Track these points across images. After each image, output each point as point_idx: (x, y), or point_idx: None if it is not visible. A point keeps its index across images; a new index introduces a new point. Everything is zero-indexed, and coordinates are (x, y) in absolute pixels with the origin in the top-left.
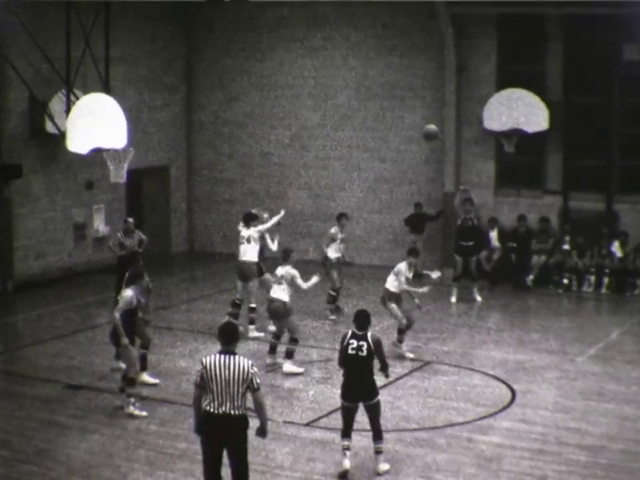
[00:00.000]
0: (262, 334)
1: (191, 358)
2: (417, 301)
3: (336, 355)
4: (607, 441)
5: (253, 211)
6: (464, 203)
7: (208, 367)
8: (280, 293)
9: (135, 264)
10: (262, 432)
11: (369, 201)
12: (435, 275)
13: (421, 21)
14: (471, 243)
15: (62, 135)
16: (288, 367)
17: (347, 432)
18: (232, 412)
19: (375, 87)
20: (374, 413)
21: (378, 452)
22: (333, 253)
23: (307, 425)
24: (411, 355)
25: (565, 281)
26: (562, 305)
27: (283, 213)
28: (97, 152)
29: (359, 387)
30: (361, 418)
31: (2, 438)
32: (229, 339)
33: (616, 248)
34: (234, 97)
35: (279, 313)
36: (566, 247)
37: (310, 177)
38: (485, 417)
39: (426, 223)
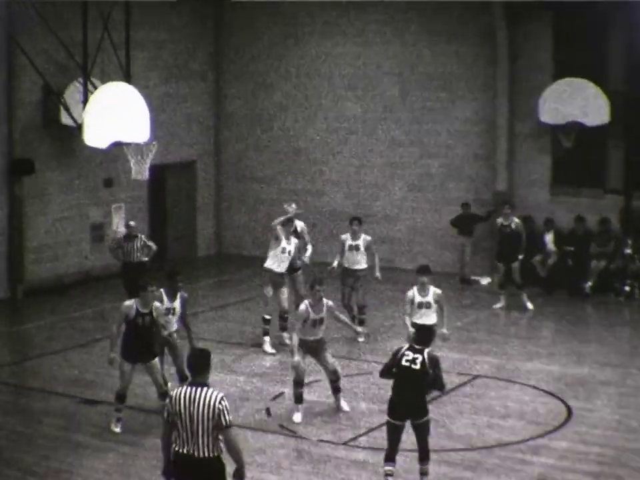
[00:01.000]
0: (273, 350)
1: (218, 371)
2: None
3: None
4: None
5: (291, 208)
6: (503, 207)
7: (173, 401)
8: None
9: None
10: (238, 476)
11: (412, 200)
12: (485, 280)
13: (470, 4)
14: (510, 249)
15: (78, 128)
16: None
17: (391, 455)
18: (197, 453)
19: (420, 76)
20: (422, 433)
21: (423, 474)
22: (343, 262)
23: (344, 444)
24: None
25: (627, 288)
26: (623, 314)
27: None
28: (117, 146)
29: (409, 403)
30: (405, 436)
31: (12, 456)
32: (197, 368)
33: None
34: (266, 86)
35: None
36: (628, 250)
37: (349, 174)
38: (538, 437)
39: (475, 224)
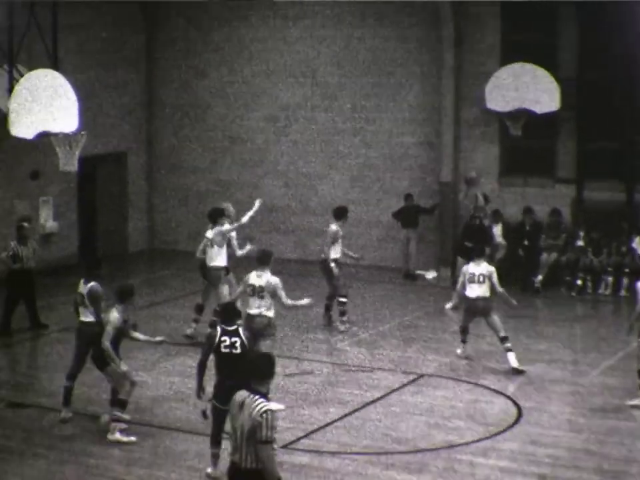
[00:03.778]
0: None
1: (151, 370)
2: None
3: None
4: (626, 465)
5: (222, 206)
6: (475, 198)
7: (232, 404)
8: (262, 307)
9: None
10: None
11: (354, 192)
12: (431, 275)
13: None
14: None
15: (3, 118)
16: None
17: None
18: (241, 463)
19: (362, 62)
20: None
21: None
22: (335, 254)
23: (285, 447)
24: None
25: (579, 282)
26: (575, 309)
27: (258, 203)
28: (44, 136)
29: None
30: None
31: None
32: (258, 375)
33: (637, 244)
34: (201, 73)
35: (261, 331)
36: (580, 243)
37: (287, 164)
38: (487, 438)
39: (419, 216)
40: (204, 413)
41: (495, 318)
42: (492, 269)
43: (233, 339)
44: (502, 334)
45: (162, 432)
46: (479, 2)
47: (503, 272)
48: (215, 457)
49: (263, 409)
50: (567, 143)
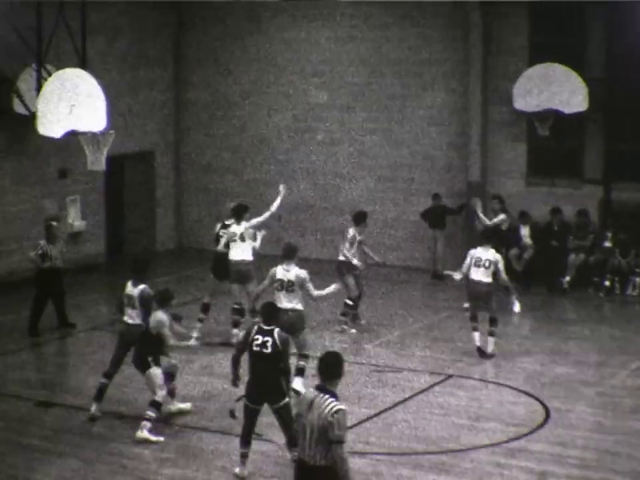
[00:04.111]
0: None
1: (179, 370)
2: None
3: None
4: None
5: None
6: (478, 219)
7: (302, 402)
8: (292, 301)
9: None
10: None
11: (381, 191)
12: (458, 275)
13: None
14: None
15: (32, 116)
16: (298, 384)
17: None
18: (309, 460)
19: (389, 62)
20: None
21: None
22: (352, 257)
23: None
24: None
25: (607, 283)
26: (603, 310)
27: (283, 189)
28: (72, 135)
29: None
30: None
31: None
32: (327, 373)
33: None
34: (228, 73)
35: (294, 325)
36: (607, 244)
37: (314, 164)
38: (515, 439)
39: (447, 216)
40: (232, 413)
41: (493, 304)
42: (499, 256)
43: (266, 338)
44: (494, 316)
45: (190, 431)
46: (507, 2)
47: (531, 273)
48: (244, 457)
49: (335, 409)
50: (594, 143)
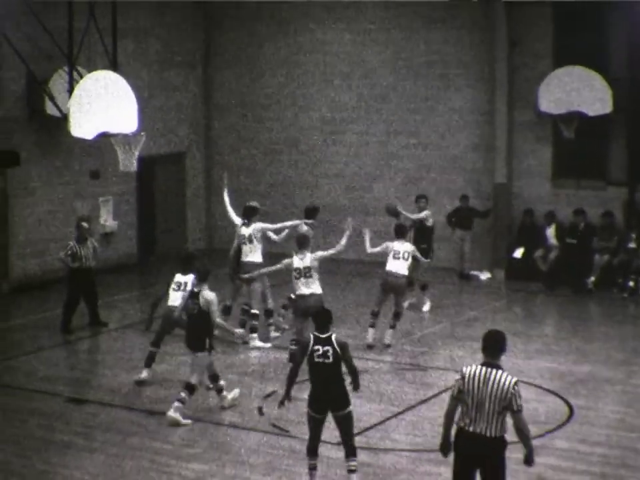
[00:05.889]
0: (268, 345)
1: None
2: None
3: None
4: None
5: (253, 204)
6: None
7: (466, 379)
8: (311, 286)
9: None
10: (528, 460)
11: (409, 192)
12: (485, 276)
13: None
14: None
15: (64, 118)
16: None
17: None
18: (484, 433)
19: (416, 64)
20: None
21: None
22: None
23: (339, 443)
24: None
25: (631, 283)
26: (627, 310)
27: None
28: (104, 137)
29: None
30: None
31: None
32: (492, 350)
33: None
34: (258, 75)
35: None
36: (632, 245)
37: (343, 165)
38: (539, 436)
39: (473, 218)
40: (260, 410)
41: (402, 300)
42: (413, 247)
43: (325, 348)
44: (400, 311)
45: (218, 428)
46: (532, 3)
47: (556, 273)
48: (313, 469)
49: (514, 381)
50: (619, 145)
